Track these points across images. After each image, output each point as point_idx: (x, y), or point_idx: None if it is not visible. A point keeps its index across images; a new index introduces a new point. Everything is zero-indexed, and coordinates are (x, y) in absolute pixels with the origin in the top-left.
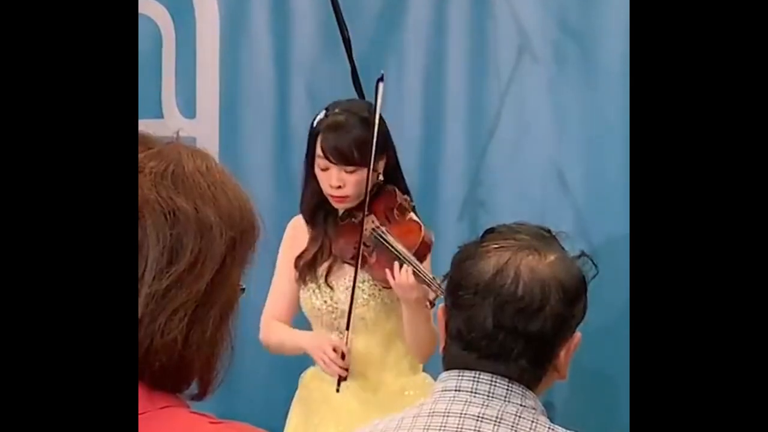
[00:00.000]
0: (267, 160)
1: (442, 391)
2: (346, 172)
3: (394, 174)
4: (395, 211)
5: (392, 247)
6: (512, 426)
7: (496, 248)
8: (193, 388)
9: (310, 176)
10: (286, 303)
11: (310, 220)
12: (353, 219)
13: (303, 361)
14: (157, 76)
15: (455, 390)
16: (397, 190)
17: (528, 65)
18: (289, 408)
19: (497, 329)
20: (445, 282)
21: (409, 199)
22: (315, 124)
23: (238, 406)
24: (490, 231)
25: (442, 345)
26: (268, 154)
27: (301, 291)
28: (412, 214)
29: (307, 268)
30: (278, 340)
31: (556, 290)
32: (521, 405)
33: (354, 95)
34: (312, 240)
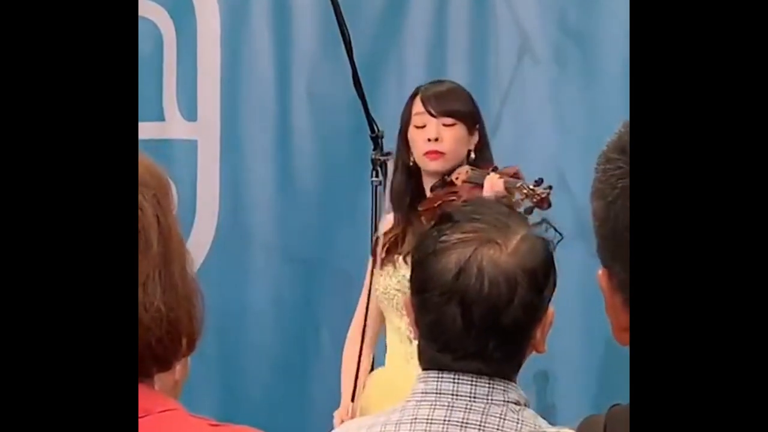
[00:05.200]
0: (268, 161)
1: (423, 393)
2: (444, 125)
3: (483, 156)
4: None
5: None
6: (497, 428)
7: (455, 243)
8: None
9: (400, 153)
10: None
11: (396, 202)
12: (447, 177)
13: (304, 363)
14: (158, 78)
15: (436, 393)
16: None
17: (529, 66)
18: (288, 409)
19: (468, 329)
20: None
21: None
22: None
23: (237, 408)
24: (446, 218)
25: (415, 335)
26: (270, 156)
27: (377, 275)
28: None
29: (386, 250)
30: (344, 363)
31: (522, 280)
32: (505, 402)
33: (355, 96)
34: (395, 222)
